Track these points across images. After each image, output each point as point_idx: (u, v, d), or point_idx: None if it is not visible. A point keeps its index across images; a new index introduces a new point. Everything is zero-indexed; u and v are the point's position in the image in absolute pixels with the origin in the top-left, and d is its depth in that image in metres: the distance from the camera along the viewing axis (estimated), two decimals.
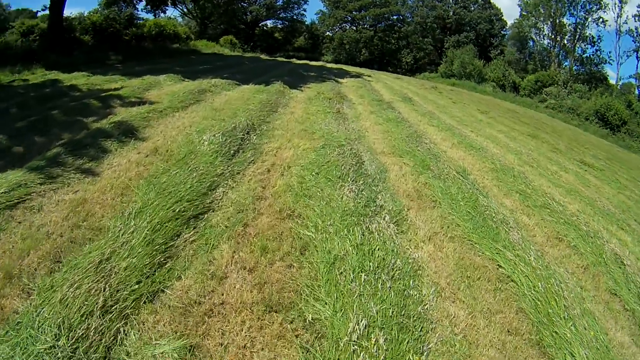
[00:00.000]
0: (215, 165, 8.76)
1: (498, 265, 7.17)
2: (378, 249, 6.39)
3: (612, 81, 68.55)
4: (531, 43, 75.68)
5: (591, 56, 68.44)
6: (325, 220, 7.09)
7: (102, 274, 5.08)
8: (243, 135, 10.77)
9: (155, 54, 30.31)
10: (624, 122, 48.04)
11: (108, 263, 5.31)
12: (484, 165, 12.74)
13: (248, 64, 33.10)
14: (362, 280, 5.58)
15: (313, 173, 8.99)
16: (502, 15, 76.24)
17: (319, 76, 29.18)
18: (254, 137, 11.07)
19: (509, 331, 5.69)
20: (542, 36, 72.80)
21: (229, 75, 21.05)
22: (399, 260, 6.30)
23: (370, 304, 5.18)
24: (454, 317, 5.66)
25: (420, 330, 5.11)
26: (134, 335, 4.46)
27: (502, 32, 76.00)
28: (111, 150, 9.22)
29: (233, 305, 5.13)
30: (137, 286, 5.09)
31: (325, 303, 5.26)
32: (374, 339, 4.64)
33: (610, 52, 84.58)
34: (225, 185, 8.21)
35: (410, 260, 6.51)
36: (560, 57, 70.55)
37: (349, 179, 8.76)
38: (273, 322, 4.96)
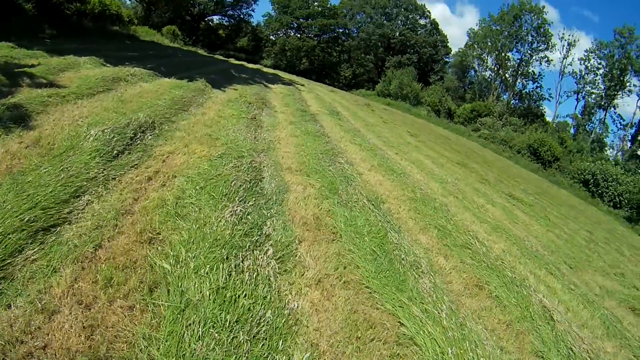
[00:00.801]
0: (90, 166, 7.45)
1: (399, 322, 5.92)
2: (245, 296, 5.20)
3: (549, 118, 70.27)
4: (472, 72, 76.67)
5: (530, 92, 70.10)
6: (190, 250, 5.86)
7: None
8: (136, 133, 9.47)
9: (92, 33, 28.73)
10: (556, 158, 49.37)
11: None
12: (402, 193, 11.65)
13: (181, 57, 31.67)
14: (213, 338, 4.41)
15: (197, 187, 7.76)
16: (448, 43, 77.49)
17: (249, 79, 27.79)
18: (149, 138, 9.77)
19: None
20: (484, 67, 74.19)
21: (155, 67, 19.69)
22: (269, 311, 5.11)
23: None
24: None
25: None
26: None
27: (445, 58, 77.27)
28: None
29: (56, 351, 4.05)
30: None
31: None
32: None
33: (550, 90, 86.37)
34: (93, 192, 6.90)
35: (285, 312, 5.30)
36: (500, 89, 71.88)
37: (236, 199, 7.58)
38: None
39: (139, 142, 9.29)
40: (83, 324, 4.40)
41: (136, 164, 8.33)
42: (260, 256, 6.12)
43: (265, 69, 46.97)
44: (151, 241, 6.05)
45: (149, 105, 12.09)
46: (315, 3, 73.67)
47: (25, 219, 5.58)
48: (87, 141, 8.19)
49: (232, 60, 47.71)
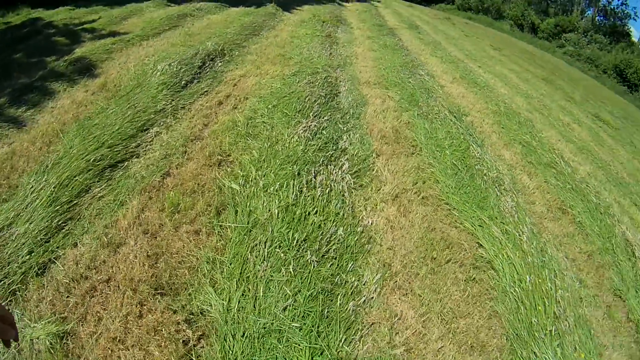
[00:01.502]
0: (158, 99, 7.28)
1: (478, 242, 5.48)
2: (316, 213, 4.90)
3: (635, 39, 65.15)
4: None
5: (615, 9, 65.18)
6: (261, 169, 5.59)
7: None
8: (204, 62, 9.20)
9: None
10: None
11: (8, 230, 4.42)
12: (486, 106, 10.95)
13: None
14: (278, 259, 4.18)
15: (269, 106, 7.42)
16: None
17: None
18: (219, 64, 9.46)
19: (472, 347, 4.12)
20: None
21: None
22: (341, 229, 4.79)
23: (279, 296, 3.87)
24: (398, 318, 4.15)
25: (344, 342, 3.72)
26: (17, 315, 3.65)
27: None
28: (59, 91, 7.87)
29: (119, 282, 3.97)
30: (28, 257, 4.16)
31: (222, 290, 3.94)
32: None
33: (635, 8, 79.93)
34: (161, 124, 6.74)
35: (358, 229, 4.97)
36: (583, 4, 67.30)
37: (310, 114, 7.21)
38: (155, 310, 3.75)
39: (208, 70, 9.04)
40: (147, 253, 4.29)
41: (206, 91, 8.11)
42: (334, 171, 5.81)
43: None
44: (220, 164, 5.85)
45: (218, 35, 11.76)
46: None
47: (92, 159, 5.51)
48: (154, 77, 8.02)
49: None
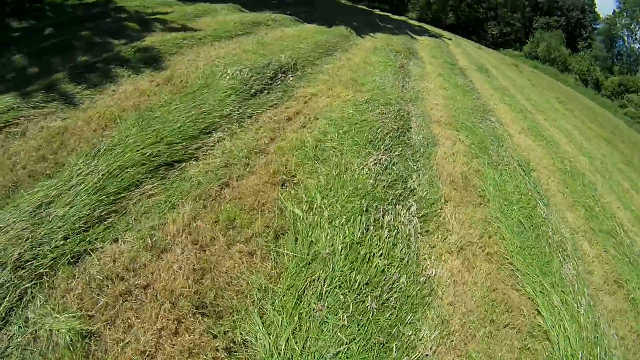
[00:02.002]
0: (225, 104, 7.05)
1: (537, 310, 5.13)
2: (381, 255, 4.58)
3: None
4: (620, 43, 70.70)
5: None
6: (327, 197, 5.27)
7: (34, 221, 4.13)
8: (276, 74, 8.94)
9: None
10: None
11: (46, 208, 4.29)
12: (552, 162, 10.49)
13: (323, 4, 30.14)
14: (337, 300, 3.88)
15: (340, 131, 7.10)
16: (596, 7, 71.60)
17: (395, 29, 26.02)
18: (290, 79, 9.20)
19: None
20: (634, 38, 68.11)
21: (296, 13, 18.98)
22: (404, 276, 4.48)
23: (332, 341, 3.60)
24: None
25: None
26: (40, 301, 3.52)
27: (592, 24, 71.22)
28: (122, 77, 7.72)
29: (158, 292, 3.74)
30: (62, 242, 3.99)
31: (271, 324, 3.66)
32: None
33: None
34: (226, 129, 6.49)
35: (421, 279, 4.65)
36: None
37: (381, 147, 6.89)
38: (193, 330, 3.49)
39: (279, 82, 8.79)
40: (194, 266, 4.02)
41: (275, 104, 7.84)
42: (402, 212, 5.48)
43: (410, 21, 44.25)
44: (284, 184, 5.54)
45: (291, 48, 11.50)
46: None
47: (147, 153, 5.30)
48: (223, 79, 7.84)
49: (377, 11, 45.52)
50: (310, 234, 4.58)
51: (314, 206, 5.04)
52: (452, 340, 4.17)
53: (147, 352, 3.25)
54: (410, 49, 17.98)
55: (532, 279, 5.52)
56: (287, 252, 4.35)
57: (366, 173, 5.92)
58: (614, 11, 69.64)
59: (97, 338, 3.31)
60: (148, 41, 9.60)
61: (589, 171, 11.74)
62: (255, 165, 5.75)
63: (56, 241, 3.94)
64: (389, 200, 5.54)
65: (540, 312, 5.06)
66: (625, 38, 68.95)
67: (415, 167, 6.86)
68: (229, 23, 12.98)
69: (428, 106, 10.63)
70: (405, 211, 5.51)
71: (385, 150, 6.82)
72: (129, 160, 5.10)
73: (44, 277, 3.66)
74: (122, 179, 4.84)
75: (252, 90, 7.84)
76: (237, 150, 5.92)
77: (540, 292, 5.34)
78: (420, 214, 5.70)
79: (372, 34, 19.32)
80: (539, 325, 4.88)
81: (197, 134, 6.06)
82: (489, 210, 6.71)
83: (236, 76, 7.99)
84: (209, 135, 6.20)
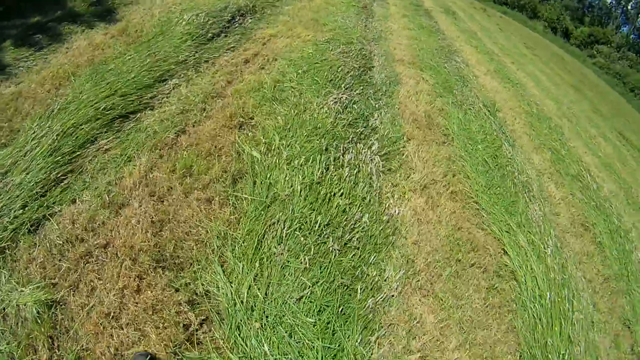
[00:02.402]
0: (181, 50, 6.80)
1: (503, 249, 5.16)
2: (342, 195, 4.52)
3: None
4: None
5: None
6: (285, 137, 5.15)
7: None
8: (234, 17, 8.62)
9: None
10: None
11: (3, 179, 4.17)
12: (518, 104, 10.47)
13: None
14: (297, 242, 3.82)
15: (299, 71, 6.90)
16: None
17: None
18: (249, 21, 8.85)
19: None
20: None
21: None
22: (366, 215, 4.41)
23: (295, 285, 3.57)
24: (417, 322, 3.87)
25: (359, 343, 3.44)
26: (4, 277, 3.44)
27: None
28: (76, 33, 7.29)
29: (118, 249, 3.66)
30: (21, 211, 3.90)
31: (232, 272, 3.60)
32: None
33: None
34: (182, 75, 6.27)
35: (384, 218, 4.60)
36: (620, 20, 66.08)
37: (342, 85, 6.75)
38: (155, 285, 3.43)
39: (237, 25, 8.47)
40: (152, 218, 3.92)
41: (233, 47, 7.57)
42: (363, 150, 5.39)
43: None
44: (242, 126, 5.38)
45: None
46: None
47: (102, 108, 5.10)
48: (179, 26, 7.55)
49: None
50: (268, 176, 4.49)
51: (272, 148, 4.93)
52: (418, 280, 4.16)
53: (112, 314, 3.21)
54: None
55: (497, 218, 5.54)
56: (246, 196, 4.24)
57: (326, 112, 5.78)
58: None
59: (63, 306, 3.27)
60: None
61: (556, 115, 11.78)
62: (211, 110, 5.58)
63: (15, 211, 3.84)
64: (350, 139, 5.44)
65: (506, 252, 5.10)
66: None
67: (377, 106, 6.72)
68: None
69: (391, 46, 10.41)
70: (366, 149, 5.43)
71: (346, 89, 6.67)
72: (83, 116, 4.92)
73: (6, 250, 3.56)
74: (76, 137, 4.68)
75: (209, 35, 7.59)
76: (193, 96, 5.73)
77: (507, 232, 5.38)
78: (382, 152, 5.61)
79: None
80: (506, 265, 4.93)
81: (152, 82, 5.84)
82: (452, 149, 6.65)
83: (192, 21, 7.71)
84: (164, 83, 5.99)
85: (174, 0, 8.96)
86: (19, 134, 4.76)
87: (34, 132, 4.67)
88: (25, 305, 3.21)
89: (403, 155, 5.89)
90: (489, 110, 8.49)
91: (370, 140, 5.69)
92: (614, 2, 66.05)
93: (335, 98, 6.19)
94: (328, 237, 3.93)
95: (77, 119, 4.87)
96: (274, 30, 8.55)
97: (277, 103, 5.89)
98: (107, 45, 6.81)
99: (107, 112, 5.08)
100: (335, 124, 5.57)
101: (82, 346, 3.10)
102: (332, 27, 9.45)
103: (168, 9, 8.34)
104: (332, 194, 4.44)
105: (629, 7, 64.72)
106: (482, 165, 6.46)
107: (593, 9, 68.03)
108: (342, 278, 3.68)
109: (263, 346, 3.08)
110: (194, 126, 5.20)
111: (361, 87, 6.99)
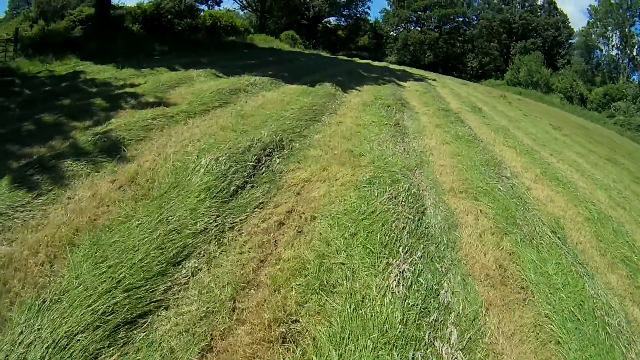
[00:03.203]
0: (198, 214, 5.61)
1: None
2: None
3: None
4: (598, 53, 70.49)
5: None
6: (345, 354, 3.76)
7: None
8: (259, 158, 7.58)
9: (207, 46, 27.68)
10: None
11: None
12: (577, 211, 9.17)
13: (303, 60, 29.37)
14: None
15: (346, 235, 5.59)
16: (569, 22, 71.76)
17: (379, 78, 25.05)
18: (277, 161, 7.80)
19: None
20: (610, 46, 67.89)
21: (276, 73, 17.99)
22: None
23: None
24: None
25: None
26: None
27: (568, 40, 71.17)
28: (80, 176, 6.63)
29: None
30: None
31: None
32: None
33: None
34: (201, 253, 5.01)
35: None
36: (628, 69, 65.69)
37: (400, 249, 5.39)
38: None
39: (264, 169, 7.41)
40: None
41: (262, 203, 6.40)
42: (442, 349, 4.06)
43: (392, 66, 43.46)
44: (284, 339, 4.01)
45: (275, 118, 10.27)
46: None
47: (101, 311, 3.86)
48: (196, 175, 6.52)
49: (357, 60, 45.20)
50: None
51: None
52: None
53: None
54: (400, 99, 16.90)
55: None
56: None
57: (390, 301, 4.44)
58: (588, 22, 69.58)
59: None
60: (114, 123, 8.81)
61: (611, 207, 10.59)
62: (244, 309, 4.29)
63: None
64: (426, 340, 4.10)
65: None
66: (602, 47, 68.77)
67: (443, 269, 5.43)
68: (205, 93, 11.95)
69: (436, 171, 9.28)
70: (445, 346, 4.10)
71: (406, 254, 5.38)
72: (79, 322, 3.71)
73: None
74: (72, 354, 3.46)
75: (232, 188, 6.46)
76: (218, 288, 4.48)
77: None
78: (464, 343, 4.30)
79: (358, 88, 18.35)
80: None
81: (164, 266, 4.62)
82: (536, 308, 5.34)
83: (212, 169, 6.66)
84: (179, 265, 4.76)
85: (191, 135, 8.28)
86: (5, 326, 3.74)
87: (20, 332, 3.62)
88: None
89: (485, 336, 4.55)
90: (558, 238, 7.14)
91: (447, 327, 4.37)
92: (619, 53, 65.49)
93: (396, 274, 4.87)
94: None
95: (72, 326, 3.68)
96: (307, 172, 7.48)
97: (326, 293, 4.55)
98: (112, 200, 5.95)
99: (108, 317, 3.85)
100: (404, 320, 4.23)
101: None
102: (370, 159, 8.31)
103: (184, 149, 7.60)
104: None
105: (635, 54, 64.04)
106: (570, 320, 5.14)
107: (601, 67, 67.98)
108: None
109: None
110: (222, 338, 3.90)
111: (422, 247, 5.71)
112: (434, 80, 32.46)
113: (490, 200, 8.07)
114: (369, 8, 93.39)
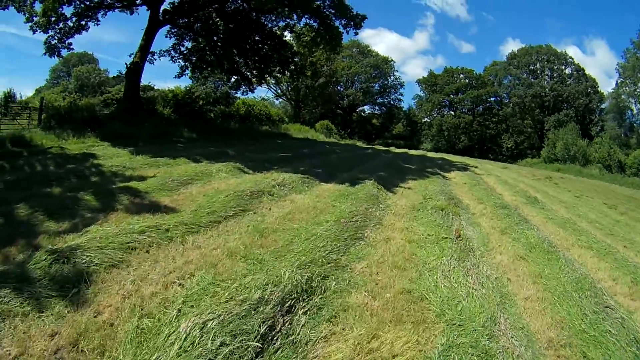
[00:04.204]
0: None
1: None
2: None
3: None
4: (630, 114, 66.11)
5: None
6: None
7: None
8: (275, 321, 4.53)
9: (239, 135, 26.36)
10: None
11: None
12: None
13: (339, 152, 26.82)
14: None
15: None
16: (598, 87, 68.53)
17: (421, 170, 22.19)
18: (302, 321, 4.71)
19: None
20: None
21: (309, 168, 15.38)
22: None
23: None
24: None
25: None
26: None
27: (599, 105, 67.66)
28: (14, 316, 4.30)
29: None
30: None
31: None
32: None
33: None
34: None
35: None
36: None
37: None
38: None
39: (279, 341, 4.30)
40: None
41: None
42: None
43: (429, 154, 41.54)
44: None
45: (304, 237, 7.33)
46: (462, 75, 69.98)
47: None
48: (166, 352, 3.75)
49: (394, 149, 42.84)
50: None
51: None
52: None
53: None
54: (452, 197, 13.75)
55: None
56: None
57: None
58: (616, 83, 65.12)
59: None
60: (89, 235, 6.44)
61: None
62: None
63: None
64: None
65: None
66: (634, 107, 64.41)
67: None
68: (220, 196, 9.23)
69: (524, 312, 6.17)
70: None
71: None
72: None
73: None
74: None
75: None
76: None
77: None
78: None
79: (402, 184, 15.41)
80: None
81: None
82: None
83: (193, 344, 3.84)
84: None
85: (183, 265, 5.99)
86: None
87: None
88: None
89: None
90: None
91: None
92: (638, 105, 61.11)
93: None
94: None
95: None
96: (348, 346, 4.40)
97: None
98: None
99: None
100: None
101: None
102: (438, 308, 5.46)
103: (165, 291, 5.17)
104: None
105: None
106: None
107: (634, 128, 63.69)
108: None
109: None
110: None
111: None
112: (476, 167, 29.94)
113: (602, 352, 5.21)
114: (401, 95, 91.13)
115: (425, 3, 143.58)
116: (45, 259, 5.40)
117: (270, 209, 9.27)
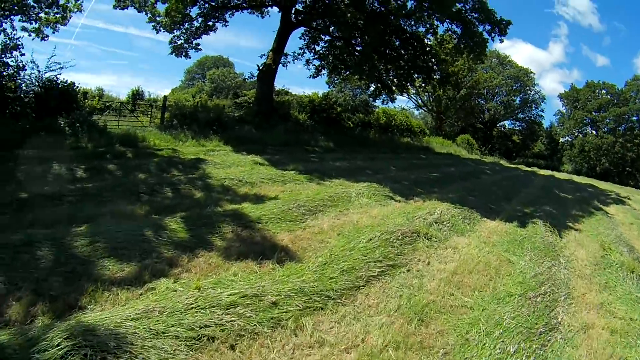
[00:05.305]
0: None
1: None
2: None
3: None
4: None
5: None
6: None
7: None
8: None
9: (379, 146, 23.48)
10: None
11: None
12: None
13: (489, 173, 22.55)
14: None
15: None
16: None
17: (579, 202, 17.37)
18: None
19: None
20: None
21: (463, 195, 11.86)
22: None
23: None
24: None
25: None
26: None
27: None
28: None
29: None
30: None
31: None
32: None
33: None
34: None
35: None
36: None
37: None
38: None
39: None
40: None
41: None
42: None
43: (576, 178, 36.05)
44: None
45: (483, 331, 4.29)
46: (604, 91, 61.79)
47: None
48: None
49: (537, 170, 37.48)
50: None
51: None
52: None
53: None
54: (631, 248, 9.37)
55: None
56: None
57: None
58: None
59: None
60: (131, 311, 3.74)
61: None
62: None
63: None
64: None
65: None
66: None
67: None
68: (361, 239, 6.51)
69: None
70: None
71: None
72: None
73: None
74: None
75: None
76: None
77: None
78: None
79: (569, 223, 11.35)
80: None
81: None
82: None
83: None
84: None
85: None
86: None
87: None
88: None
89: None
90: None
91: None
92: None
93: None
94: None
95: None
96: None
97: None
98: None
99: None
100: None
101: None
102: None
103: None
104: None
105: None
106: None
107: None
108: None
109: None
110: None
111: None
112: (629, 198, 23.73)
113: None
114: (542, 110, 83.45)
115: (557, 12, 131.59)
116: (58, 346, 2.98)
117: (428, 262, 6.09)
